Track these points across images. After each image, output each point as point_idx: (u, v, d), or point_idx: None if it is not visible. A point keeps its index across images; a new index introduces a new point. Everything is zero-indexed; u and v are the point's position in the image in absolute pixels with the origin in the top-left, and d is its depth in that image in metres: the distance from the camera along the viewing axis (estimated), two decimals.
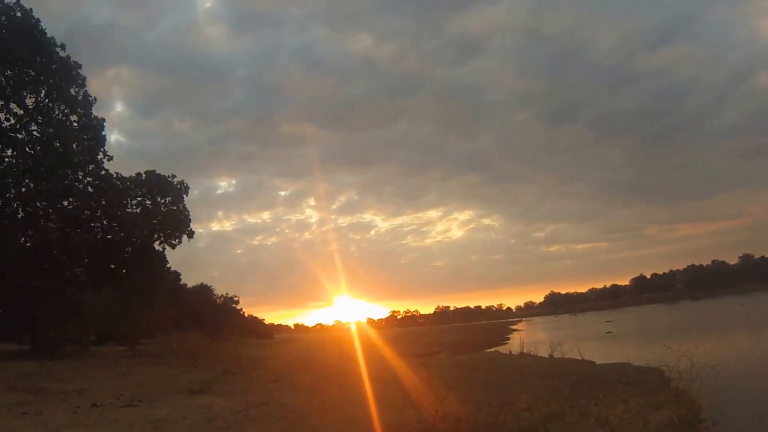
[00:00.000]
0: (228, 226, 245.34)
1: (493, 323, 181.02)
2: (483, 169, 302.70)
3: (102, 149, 36.10)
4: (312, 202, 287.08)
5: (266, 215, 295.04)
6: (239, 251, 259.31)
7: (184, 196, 40.92)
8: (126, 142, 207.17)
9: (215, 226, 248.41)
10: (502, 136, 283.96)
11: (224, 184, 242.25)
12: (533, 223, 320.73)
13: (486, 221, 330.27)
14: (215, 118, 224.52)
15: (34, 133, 33.30)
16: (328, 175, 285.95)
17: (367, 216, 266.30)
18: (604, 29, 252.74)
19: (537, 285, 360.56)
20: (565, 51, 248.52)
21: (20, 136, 33.00)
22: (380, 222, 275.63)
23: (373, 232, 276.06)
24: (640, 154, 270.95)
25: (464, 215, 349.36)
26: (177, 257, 70.69)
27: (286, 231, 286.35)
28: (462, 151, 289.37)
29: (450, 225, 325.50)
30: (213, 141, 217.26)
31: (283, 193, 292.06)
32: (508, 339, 70.46)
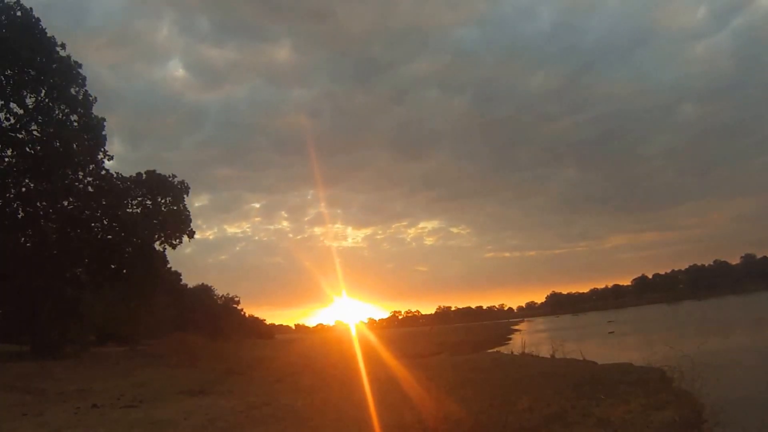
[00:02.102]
0: (210, 234, 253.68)
1: (495, 323, 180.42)
2: (441, 186, 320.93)
3: (102, 149, 36.08)
4: (285, 214, 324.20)
5: (245, 225, 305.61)
6: (223, 257, 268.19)
7: (185, 196, 40.99)
8: (121, 168, 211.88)
9: (198, 235, 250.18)
10: (452, 158, 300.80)
11: (204, 197, 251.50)
12: (503, 231, 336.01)
13: (454, 230, 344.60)
14: (194, 148, 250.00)
15: (35, 132, 33.32)
16: (298, 191, 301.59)
17: (339, 226, 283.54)
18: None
19: (539, 285, 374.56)
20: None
21: (20, 136, 33.02)
22: (351, 231, 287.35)
23: (350, 240, 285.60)
24: (596, 171, 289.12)
25: (431, 224, 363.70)
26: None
27: (265, 239, 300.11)
28: (418, 171, 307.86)
29: (421, 233, 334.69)
30: (193, 166, 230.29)
31: (257, 205, 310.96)
32: (510, 339, 70.36)
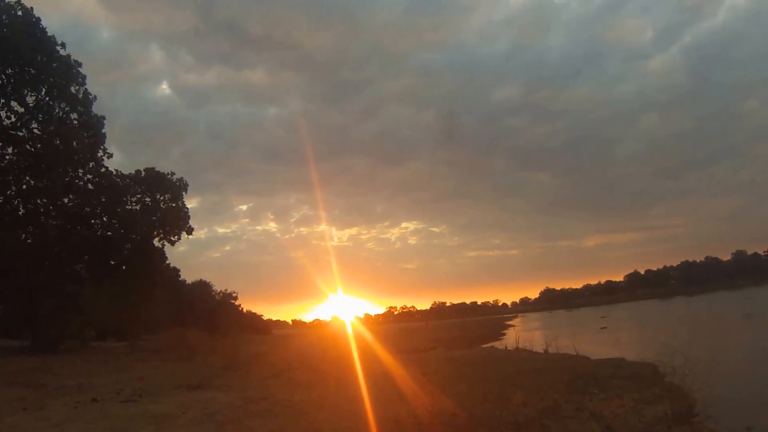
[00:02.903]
0: (201, 234, 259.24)
1: (489, 319, 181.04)
2: (421, 190, 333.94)
3: (102, 147, 36.32)
4: (271, 215, 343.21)
5: (234, 225, 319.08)
6: (216, 255, 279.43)
7: (183, 193, 41.18)
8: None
9: (184, 237, 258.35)
10: (429, 164, 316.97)
11: (194, 200, 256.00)
12: (485, 230, 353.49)
13: (435, 230, 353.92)
14: (182, 157, 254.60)
15: (35, 130, 33.46)
16: (283, 194, 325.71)
17: (323, 226, 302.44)
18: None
19: (532, 281, 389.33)
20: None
21: (21, 134, 33.17)
22: (336, 231, 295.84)
23: (336, 239, 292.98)
24: (568, 176, 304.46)
25: (413, 225, 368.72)
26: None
27: (254, 239, 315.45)
28: (397, 177, 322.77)
29: (404, 233, 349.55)
30: (183, 172, 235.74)
31: (244, 207, 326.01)
32: (504, 334, 70.72)
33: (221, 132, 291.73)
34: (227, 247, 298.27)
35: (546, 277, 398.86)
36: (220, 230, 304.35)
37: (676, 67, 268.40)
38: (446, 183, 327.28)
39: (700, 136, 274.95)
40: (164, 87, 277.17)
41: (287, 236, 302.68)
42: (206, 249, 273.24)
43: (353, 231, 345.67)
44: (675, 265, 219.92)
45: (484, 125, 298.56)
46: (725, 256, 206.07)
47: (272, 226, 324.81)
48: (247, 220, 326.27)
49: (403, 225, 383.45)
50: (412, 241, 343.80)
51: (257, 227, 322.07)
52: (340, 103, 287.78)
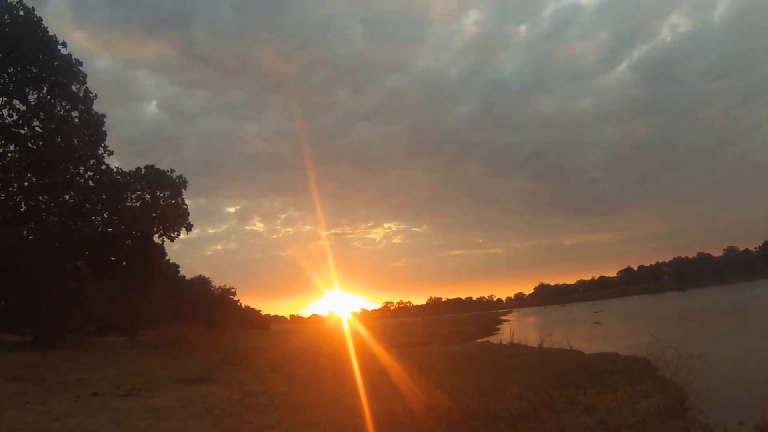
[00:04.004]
0: (193, 234, 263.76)
1: (484, 314, 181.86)
2: (402, 194, 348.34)
3: (103, 144, 36.27)
4: (259, 217, 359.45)
5: (224, 226, 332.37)
6: (208, 253, 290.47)
7: (183, 190, 41.30)
8: None
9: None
10: (406, 171, 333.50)
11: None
12: (466, 230, 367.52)
13: (417, 230, 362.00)
14: (174, 165, 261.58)
15: (37, 128, 33.47)
16: (268, 198, 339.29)
17: (309, 227, 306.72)
18: None
19: (527, 277, 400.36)
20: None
21: (23, 132, 33.17)
22: (322, 232, 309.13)
23: (323, 240, 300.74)
24: (540, 183, 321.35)
25: (395, 225, 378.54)
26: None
27: (243, 238, 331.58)
28: (378, 182, 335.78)
29: (387, 233, 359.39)
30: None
31: (233, 210, 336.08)
32: (499, 329, 71.35)
33: (209, 146, 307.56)
34: (218, 246, 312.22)
35: (531, 273, 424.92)
36: (211, 230, 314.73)
37: (627, 83, 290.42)
38: (423, 188, 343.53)
39: (659, 145, 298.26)
40: (154, 107, 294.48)
41: (274, 236, 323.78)
42: (199, 248, 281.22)
43: (338, 231, 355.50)
44: (667, 261, 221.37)
45: (451, 137, 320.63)
46: (717, 252, 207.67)
47: (259, 226, 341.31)
48: (236, 221, 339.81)
49: (386, 225, 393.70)
50: (396, 240, 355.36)
51: (245, 227, 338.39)
52: (313, 121, 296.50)
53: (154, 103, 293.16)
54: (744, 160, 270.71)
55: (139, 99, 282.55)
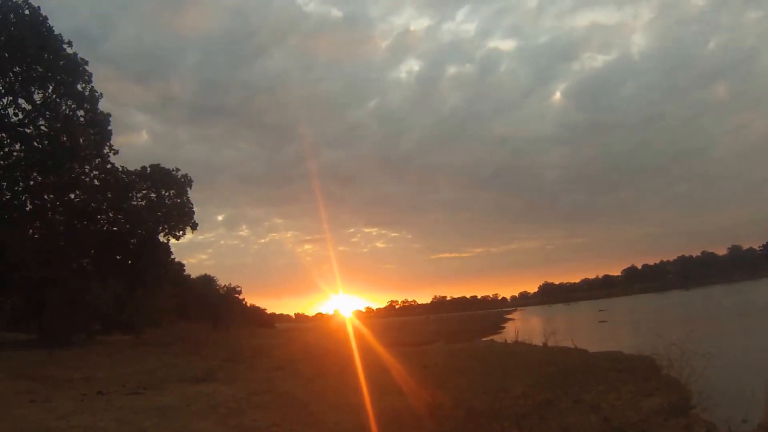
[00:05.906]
0: (183, 240, 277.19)
1: (489, 312, 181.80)
2: (378, 205, 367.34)
3: (108, 144, 36.47)
4: (245, 225, 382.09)
5: (213, 232, 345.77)
6: (203, 257, 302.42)
7: (188, 189, 41.33)
8: None
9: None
10: (378, 185, 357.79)
11: None
12: (444, 235, 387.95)
13: (395, 234, 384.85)
14: None
15: (42, 127, 33.61)
16: (254, 207, 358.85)
17: (294, 232, 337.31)
18: None
19: (531, 275, 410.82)
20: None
21: (28, 131, 33.36)
22: (306, 237, 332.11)
23: (306, 246, 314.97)
24: (509, 195, 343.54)
25: (374, 230, 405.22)
26: None
27: (231, 243, 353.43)
28: (354, 195, 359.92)
29: (367, 237, 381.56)
30: None
31: (220, 218, 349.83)
32: (503, 328, 71.21)
33: (195, 166, 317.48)
34: (210, 250, 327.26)
35: (536, 272, 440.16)
36: (201, 236, 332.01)
37: (566, 109, 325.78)
38: (397, 200, 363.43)
39: (607, 162, 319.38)
40: (144, 136, 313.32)
41: (261, 240, 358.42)
42: (193, 252, 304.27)
43: (320, 236, 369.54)
44: (672, 260, 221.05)
45: (414, 157, 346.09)
46: (721, 251, 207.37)
47: (246, 233, 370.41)
48: (223, 228, 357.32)
49: (366, 230, 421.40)
50: (380, 244, 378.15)
51: (233, 233, 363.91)
52: (281, 150, 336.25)
53: (143, 131, 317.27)
54: (702, 174, 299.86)
55: (130, 128, 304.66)
